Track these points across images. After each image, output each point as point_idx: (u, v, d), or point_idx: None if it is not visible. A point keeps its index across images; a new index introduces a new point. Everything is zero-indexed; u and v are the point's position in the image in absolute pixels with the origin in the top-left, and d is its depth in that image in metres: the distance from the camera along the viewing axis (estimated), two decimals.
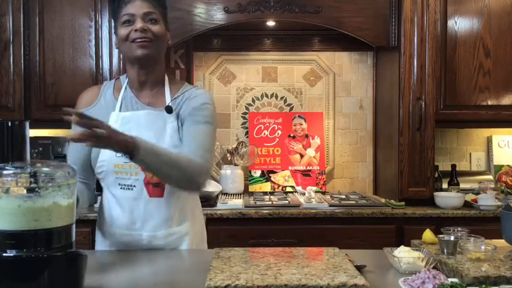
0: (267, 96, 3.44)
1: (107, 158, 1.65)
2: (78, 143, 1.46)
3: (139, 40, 1.63)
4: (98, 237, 1.80)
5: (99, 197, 1.85)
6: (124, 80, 1.76)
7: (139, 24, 1.63)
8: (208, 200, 2.83)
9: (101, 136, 1.39)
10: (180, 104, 1.72)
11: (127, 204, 1.68)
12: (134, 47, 1.64)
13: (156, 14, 1.68)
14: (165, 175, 1.58)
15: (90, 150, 1.70)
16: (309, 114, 3.40)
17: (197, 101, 1.72)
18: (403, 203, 2.86)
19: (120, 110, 1.70)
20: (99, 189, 1.80)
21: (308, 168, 3.33)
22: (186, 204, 1.76)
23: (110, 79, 2.88)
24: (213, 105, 1.75)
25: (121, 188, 1.67)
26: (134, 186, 1.66)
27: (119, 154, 1.50)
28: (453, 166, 3.17)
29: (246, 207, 2.80)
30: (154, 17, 1.67)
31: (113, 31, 1.87)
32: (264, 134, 3.35)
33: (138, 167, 1.61)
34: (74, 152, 1.75)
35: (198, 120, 1.69)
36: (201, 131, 1.69)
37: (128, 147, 1.46)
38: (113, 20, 1.77)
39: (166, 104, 1.70)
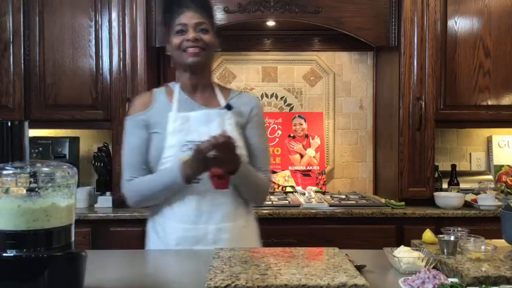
0: (267, 96, 3.44)
1: (172, 154, 1.71)
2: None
3: (192, 49, 1.74)
4: (152, 236, 1.81)
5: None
6: (174, 85, 1.85)
7: (191, 34, 1.75)
8: None
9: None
10: (238, 104, 1.83)
11: (192, 198, 1.72)
12: (186, 55, 1.76)
13: (206, 24, 1.79)
14: (246, 192, 1.79)
15: (147, 150, 1.76)
16: (309, 114, 3.40)
17: (260, 110, 1.89)
18: (403, 203, 2.86)
19: (178, 111, 1.77)
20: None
21: (308, 168, 3.33)
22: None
23: (110, 79, 2.91)
24: None
25: None
26: (200, 179, 1.69)
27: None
28: (453, 166, 3.17)
29: None
30: (205, 27, 1.78)
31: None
32: None
33: None
34: (133, 156, 1.78)
35: (263, 134, 1.90)
36: (268, 143, 1.93)
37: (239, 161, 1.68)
38: (165, 28, 1.85)
39: (224, 104, 1.81)
